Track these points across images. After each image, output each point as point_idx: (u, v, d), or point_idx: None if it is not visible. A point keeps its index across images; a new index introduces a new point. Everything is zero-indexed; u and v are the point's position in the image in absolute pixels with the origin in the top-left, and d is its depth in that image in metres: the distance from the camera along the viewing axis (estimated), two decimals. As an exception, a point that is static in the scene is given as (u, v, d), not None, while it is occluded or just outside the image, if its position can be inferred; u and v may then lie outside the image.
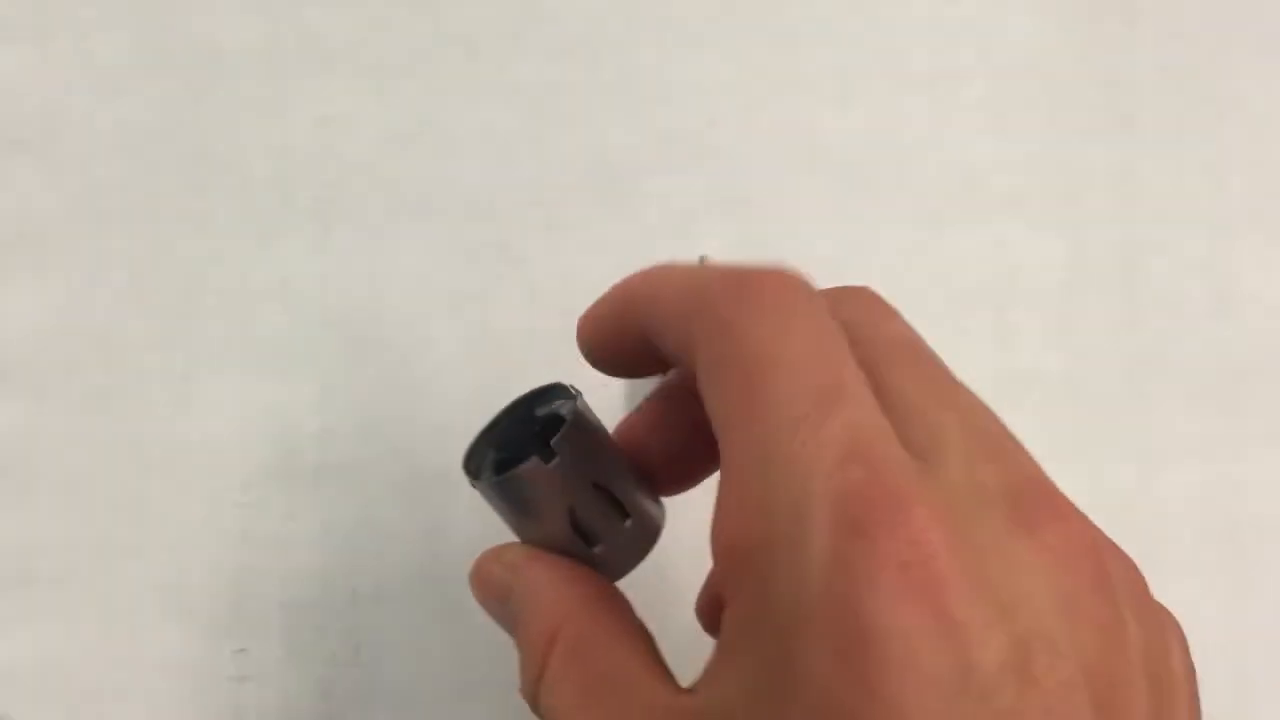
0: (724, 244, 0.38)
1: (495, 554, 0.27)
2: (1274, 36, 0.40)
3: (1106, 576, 0.21)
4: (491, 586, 0.27)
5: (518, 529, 0.27)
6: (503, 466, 0.26)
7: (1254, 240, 0.39)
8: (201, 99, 0.37)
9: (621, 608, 0.25)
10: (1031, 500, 0.21)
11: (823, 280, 0.38)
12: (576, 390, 0.27)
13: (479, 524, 0.36)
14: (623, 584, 0.26)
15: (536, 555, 0.26)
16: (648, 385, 0.30)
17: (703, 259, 0.37)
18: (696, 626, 0.29)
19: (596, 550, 0.26)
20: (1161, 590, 0.37)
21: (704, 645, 0.22)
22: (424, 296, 0.37)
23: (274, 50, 0.37)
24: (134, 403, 0.36)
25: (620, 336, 0.26)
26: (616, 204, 0.38)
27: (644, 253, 0.37)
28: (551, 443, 0.25)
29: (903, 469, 0.20)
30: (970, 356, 0.38)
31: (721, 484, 0.22)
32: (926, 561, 0.19)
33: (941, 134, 0.39)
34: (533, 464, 0.25)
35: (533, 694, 0.24)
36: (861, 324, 0.23)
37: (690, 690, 0.22)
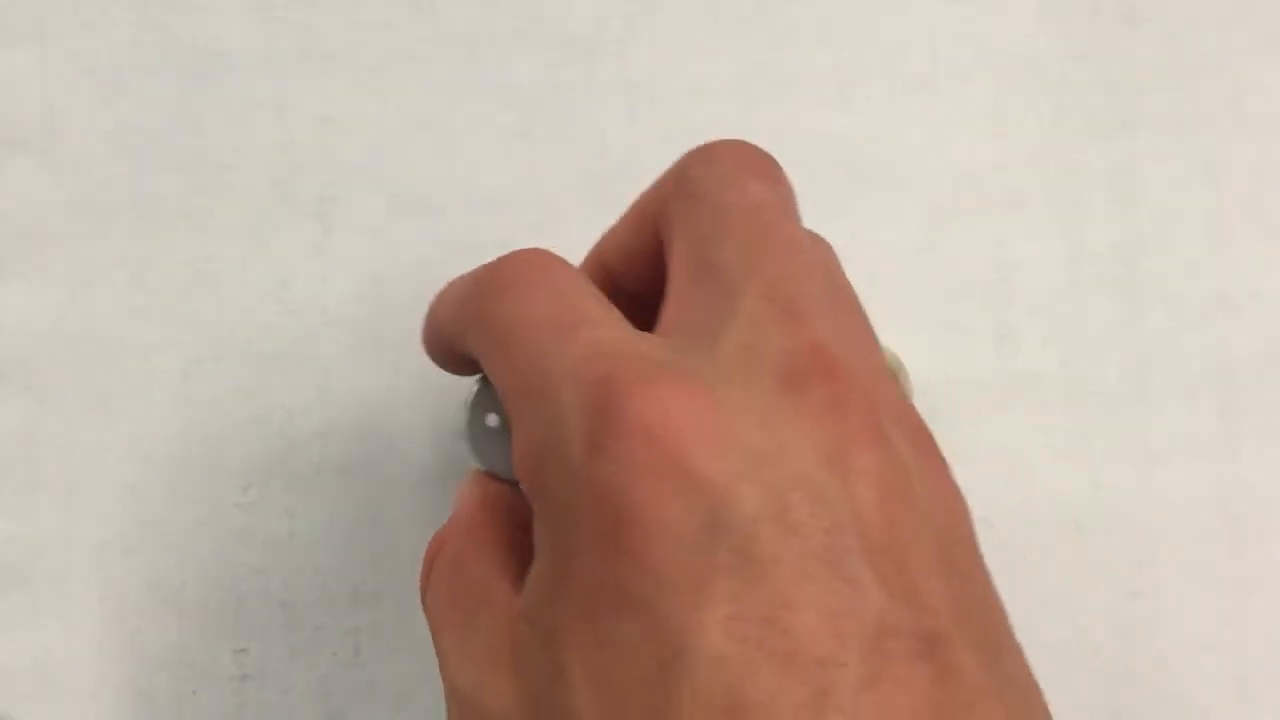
0: (724, 243, 0.38)
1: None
2: (1274, 37, 0.40)
3: (880, 433, 0.21)
4: None
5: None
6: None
7: (1254, 240, 0.39)
8: (202, 98, 0.37)
9: (507, 519, 0.26)
10: (805, 363, 0.21)
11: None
12: None
13: (479, 524, 0.36)
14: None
15: (476, 472, 0.28)
16: None
17: None
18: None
19: None
20: (1161, 590, 0.37)
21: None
22: (424, 295, 0.37)
23: (274, 49, 0.37)
24: (133, 402, 0.36)
25: (447, 352, 0.28)
26: (616, 203, 0.38)
27: (644, 252, 0.38)
28: None
29: (646, 354, 0.21)
30: (969, 356, 0.38)
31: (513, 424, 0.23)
32: (667, 426, 0.19)
33: (941, 134, 0.39)
34: None
35: (423, 601, 0.25)
36: (700, 195, 0.25)
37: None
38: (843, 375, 0.21)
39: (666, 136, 0.38)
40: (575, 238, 0.38)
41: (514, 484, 0.34)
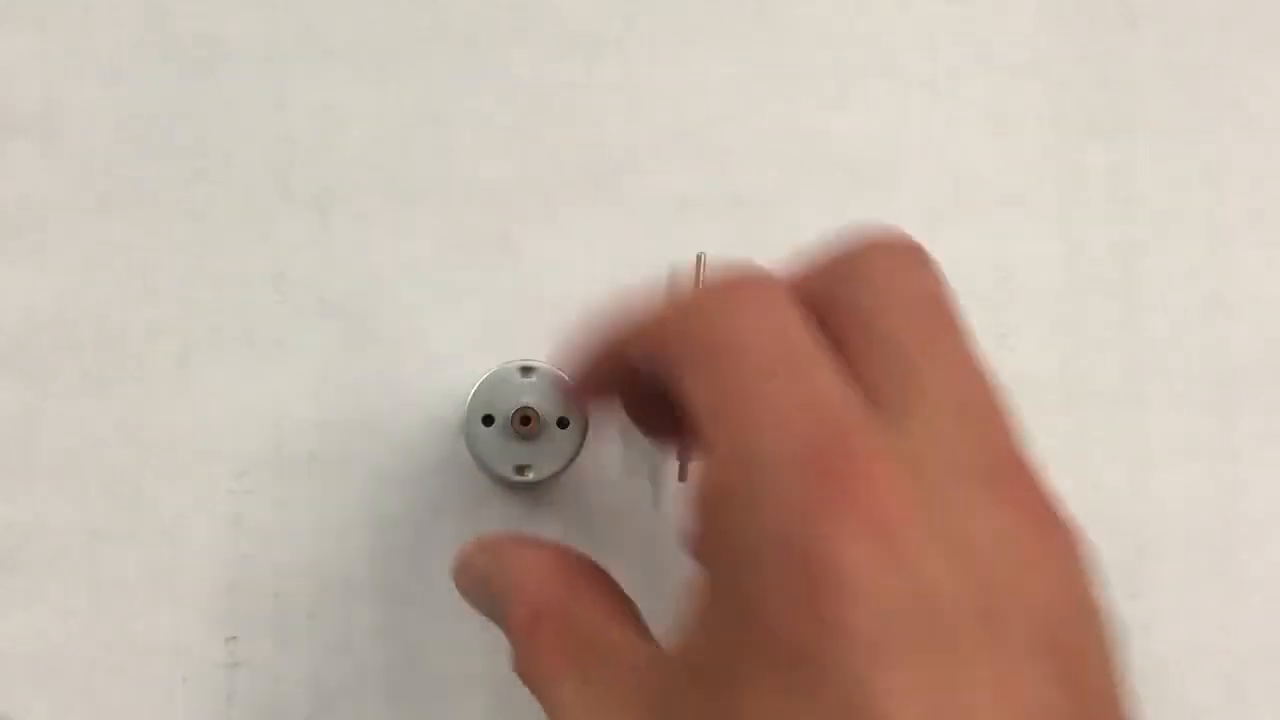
0: (722, 242, 0.38)
1: (476, 544, 0.29)
2: (1274, 39, 0.40)
3: (1065, 541, 0.22)
4: (474, 574, 0.28)
5: None
6: None
7: (1252, 242, 0.39)
8: (201, 87, 0.37)
9: (600, 577, 0.27)
10: (996, 462, 0.22)
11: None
12: None
13: (475, 516, 0.36)
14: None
15: (517, 539, 0.28)
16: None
17: (700, 256, 0.37)
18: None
19: None
20: (1156, 591, 0.37)
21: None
22: (421, 287, 0.37)
23: (274, 40, 0.37)
24: (130, 389, 0.36)
25: (608, 368, 0.29)
26: (615, 200, 0.38)
27: (642, 249, 0.38)
28: None
29: (864, 422, 0.21)
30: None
31: (703, 455, 0.23)
32: (881, 503, 0.20)
33: (941, 134, 0.39)
34: None
35: (523, 667, 0.26)
36: (873, 277, 0.25)
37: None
38: (1027, 475, 0.22)
39: (666, 134, 0.38)
40: (574, 234, 0.38)
41: (510, 483, 0.34)
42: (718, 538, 0.22)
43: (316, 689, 0.35)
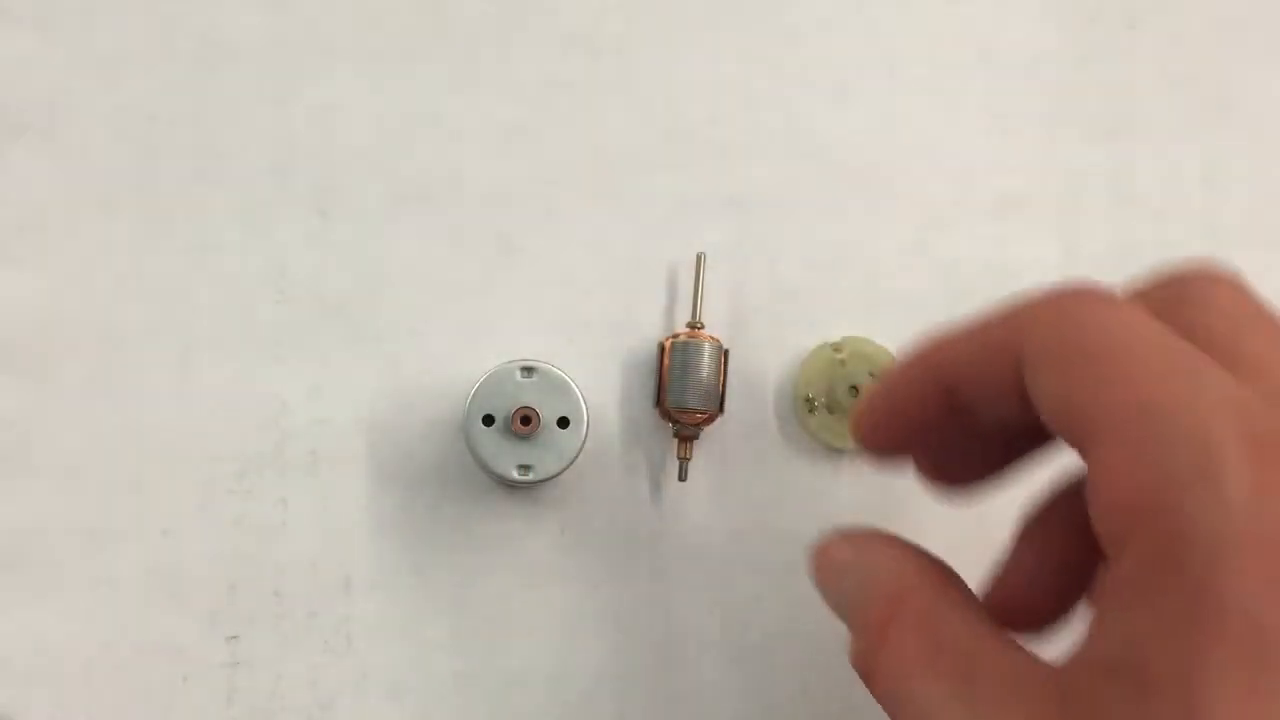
0: (723, 241, 0.38)
1: (842, 536, 0.28)
2: (1272, 41, 0.40)
3: None
4: (835, 565, 0.27)
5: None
6: None
7: (1250, 244, 0.39)
8: (203, 87, 0.37)
9: (959, 582, 0.26)
10: None
11: (820, 279, 0.38)
12: None
13: (475, 516, 0.36)
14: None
15: (878, 534, 0.27)
16: None
17: (700, 256, 0.37)
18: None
19: None
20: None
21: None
22: (421, 287, 0.37)
23: (276, 39, 0.38)
24: (131, 388, 0.36)
25: (918, 402, 0.27)
26: (615, 199, 0.38)
27: (641, 248, 0.38)
28: None
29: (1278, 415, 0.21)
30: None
31: (1095, 459, 0.22)
32: None
33: (941, 134, 0.39)
34: None
35: (870, 660, 0.25)
36: (1218, 303, 0.25)
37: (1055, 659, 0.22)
38: None
39: (666, 134, 0.38)
40: (574, 234, 0.38)
41: (510, 483, 0.34)
42: (1151, 535, 0.21)
43: (317, 688, 0.35)
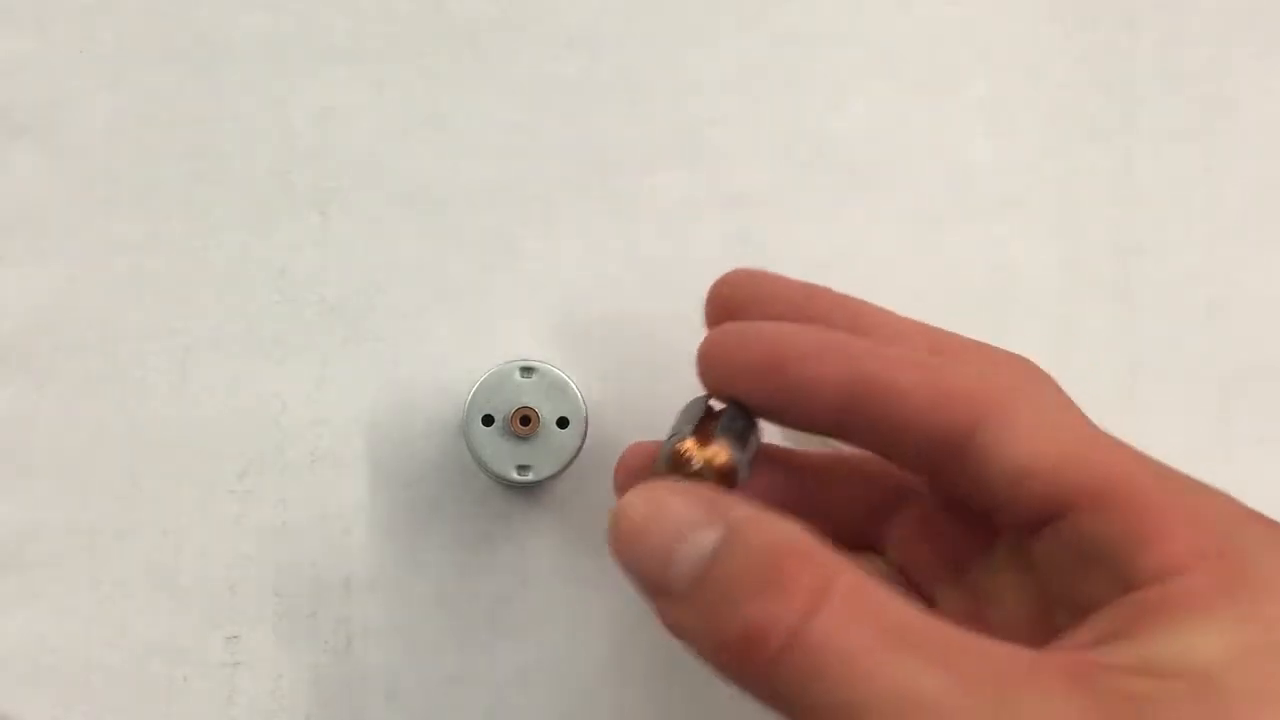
0: (722, 242, 0.38)
1: (676, 489, 0.24)
2: (1272, 41, 0.40)
3: None
4: (665, 523, 0.23)
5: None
6: None
7: (1250, 244, 0.39)
8: (203, 87, 0.37)
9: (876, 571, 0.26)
10: None
11: (820, 279, 0.38)
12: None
13: (475, 516, 0.36)
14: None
15: (760, 509, 0.23)
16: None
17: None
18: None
19: None
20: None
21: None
22: (421, 287, 0.37)
23: (275, 39, 0.38)
24: (131, 388, 0.36)
25: (817, 385, 0.26)
26: (614, 199, 0.38)
27: (642, 248, 0.38)
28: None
29: None
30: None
31: (1151, 512, 0.23)
32: None
33: (941, 134, 0.39)
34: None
35: (789, 637, 0.21)
36: None
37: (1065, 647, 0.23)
38: None
39: (666, 133, 0.38)
40: (574, 234, 0.38)
41: (510, 483, 0.34)
42: (1226, 553, 0.22)
43: (316, 689, 0.35)
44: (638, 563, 0.23)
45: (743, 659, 0.21)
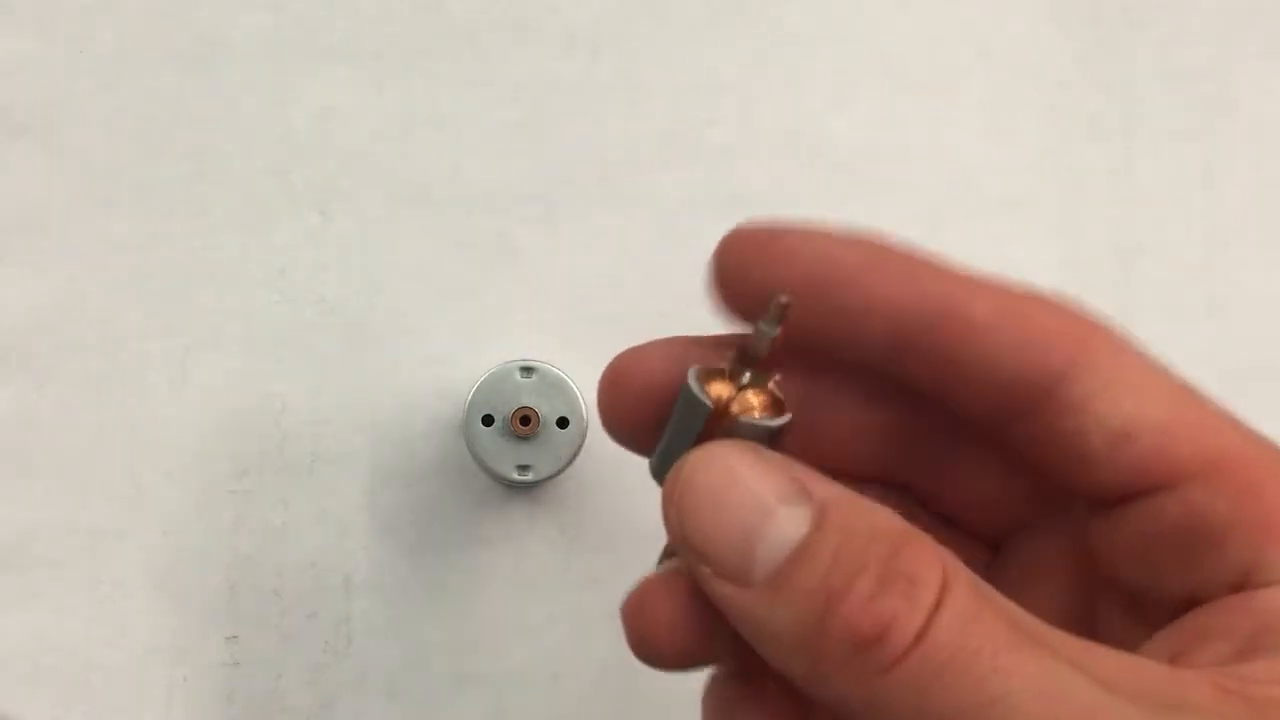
0: (722, 241, 0.38)
1: (753, 457, 0.20)
2: (1272, 41, 0.40)
3: None
4: (744, 499, 0.20)
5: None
6: None
7: (1250, 244, 0.39)
8: (203, 87, 0.37)
9: None
10: None
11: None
12: None
13: (475, 516, 0.36)
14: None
15: (842, 487, 0.20)
16: None
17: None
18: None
19: None
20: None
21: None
22: (421, 287, 0.37)
23: (276, 39, 0.37)
24: (130, 388, 0.36)
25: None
26: (614, 199, 0.38)
27: (641, 248, 0.38)
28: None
29: None
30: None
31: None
32: None
33: (941, 134, 0.39)
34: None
35: (915, 637, 0.18)
36: None
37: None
38: None
39: (667, 133, 0.38)
40: (574, 234, 0.38)
41: (510, 483, 0.34)
42: None
43: (316, 688, 0.35)
44: (708, 543, 0.20)
45: (849, 661, 0.18)
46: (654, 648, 0.22)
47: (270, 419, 0.36)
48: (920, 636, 0.18)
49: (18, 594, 0.35)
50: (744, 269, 0.22)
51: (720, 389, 0.21)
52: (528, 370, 0.34)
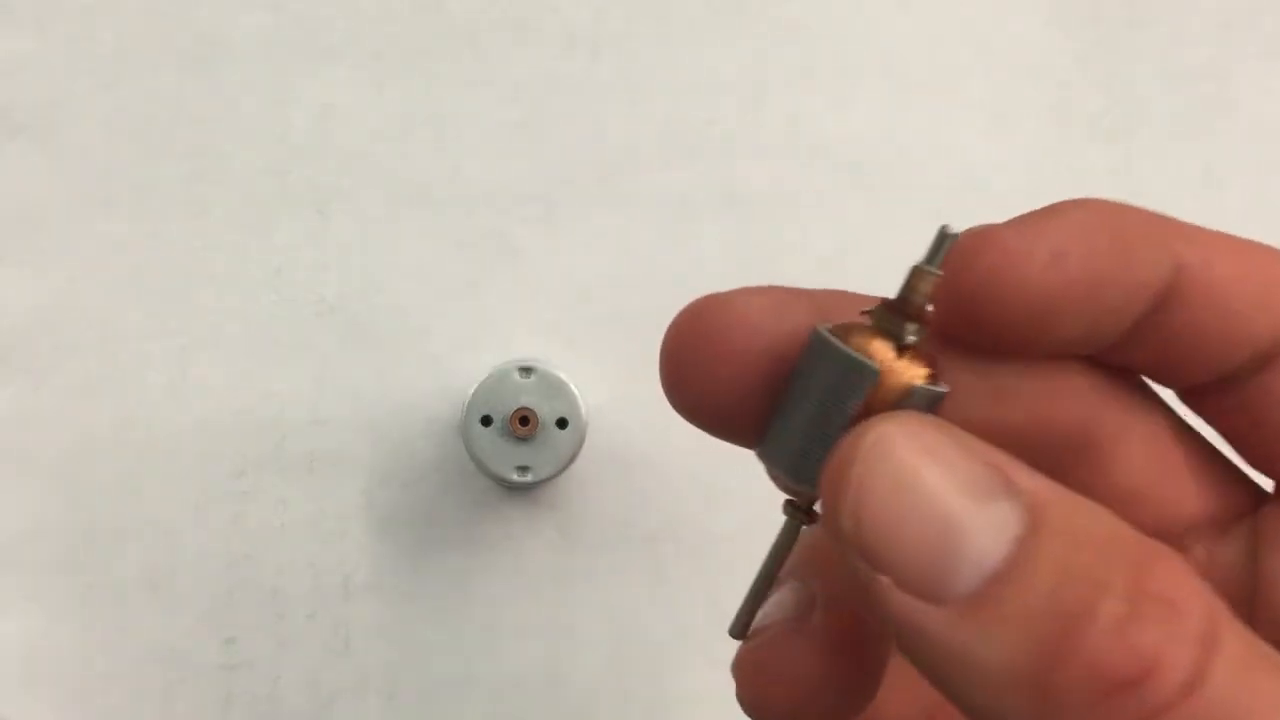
0: (722, 241, 0.38)
1: (951, 440, 0.16)
2: (1272, 41, 0.40)
3: None
4: (946, 495, 0.15)
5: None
6: None
7: (1252, 244, 0.39)
8: (203, 87, 0.37)
9: None
10: None
11: (820, 279, 0.38)
12: None
13: (474, 516, 0.36)
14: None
15: (1045, 477, 0.16)
16: None
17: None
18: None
19: None
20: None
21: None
22: (420, 286, 0.37)
23: (276, 39, 0.37)
24: (129, 388, 0.36)
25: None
26: (614, 198, 0.38)
27: (641, 248, 0.38)
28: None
29: None
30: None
31: None
32: None
33: (941, 134, 0.39)
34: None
35: (1187, 683, 0.14)
36: None
37: None
38: None
39: (667, 133, 0.38)
40: (574, 234, 0.38)
41: (509, 483, 0.34)
42: None
43: (315, 691, 0.35)
44: (892, 547, 0.15)
45: (1094, 707, 0.14)
46: (775, 708, 0.18)
47: (268, 419, 0.36)
48: (1193, 683, 0.14)
49: (17, 594, 0.35)
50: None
51: (880, 349, 0.17)
52: (527, 371, 0.34)
